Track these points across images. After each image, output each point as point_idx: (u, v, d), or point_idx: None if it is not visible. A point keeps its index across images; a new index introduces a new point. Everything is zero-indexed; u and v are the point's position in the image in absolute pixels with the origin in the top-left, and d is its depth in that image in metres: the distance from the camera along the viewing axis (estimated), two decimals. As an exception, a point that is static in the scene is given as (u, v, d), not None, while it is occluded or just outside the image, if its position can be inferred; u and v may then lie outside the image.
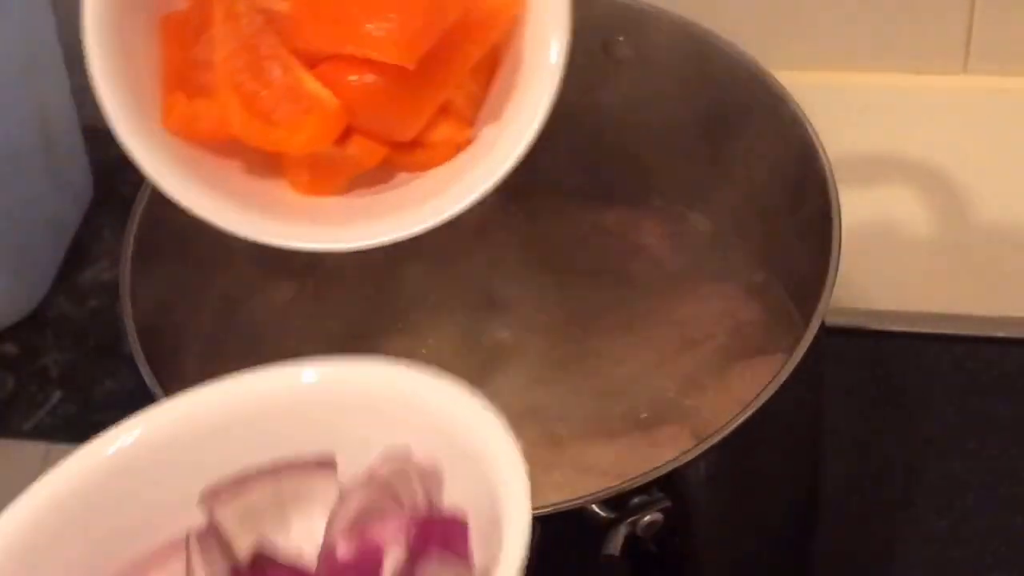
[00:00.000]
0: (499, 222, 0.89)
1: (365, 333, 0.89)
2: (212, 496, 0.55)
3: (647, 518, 0.69)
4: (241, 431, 0.56)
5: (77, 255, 2.09)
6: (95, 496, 0.56)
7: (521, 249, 0.92)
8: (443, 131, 0.66)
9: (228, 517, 0.55)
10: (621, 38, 0.88)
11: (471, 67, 0.65)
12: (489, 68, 0.67)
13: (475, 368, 0.86)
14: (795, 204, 0.83)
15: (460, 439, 0.54)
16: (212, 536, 0.55)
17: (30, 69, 2.03)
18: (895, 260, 1.05)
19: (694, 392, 0.85)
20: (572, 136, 0.95)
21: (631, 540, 0.69)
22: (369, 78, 0.63)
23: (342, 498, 0.55)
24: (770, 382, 0.71)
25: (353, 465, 0.55)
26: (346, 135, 0.65)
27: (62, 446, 1.92)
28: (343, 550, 0.54)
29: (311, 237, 0.66)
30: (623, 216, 0.94)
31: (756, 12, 1.14)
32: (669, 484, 0.69)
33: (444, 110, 0.66)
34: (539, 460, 0.78)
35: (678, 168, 0.93)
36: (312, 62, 0.63)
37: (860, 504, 0.93)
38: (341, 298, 0.91)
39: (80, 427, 1.93)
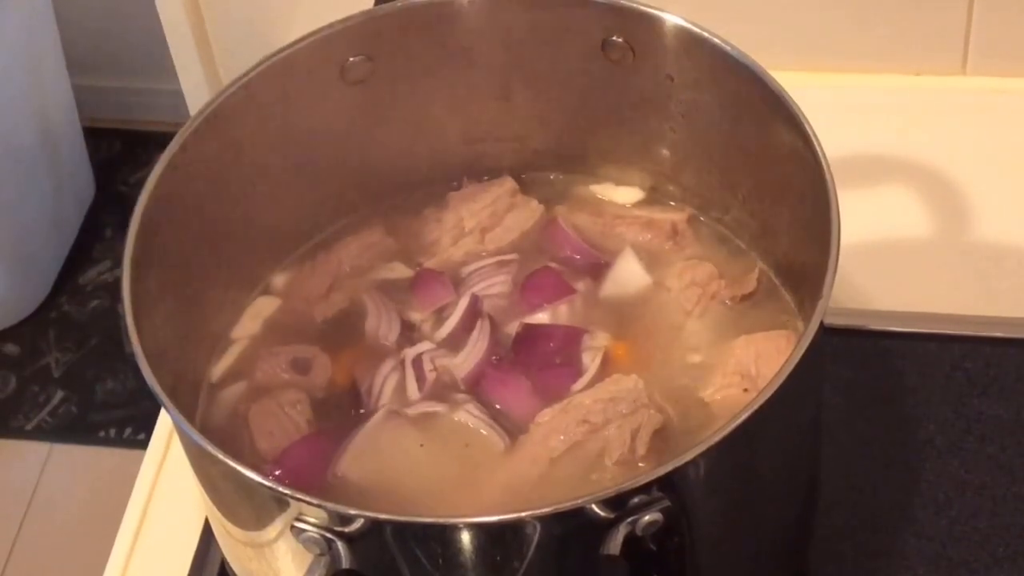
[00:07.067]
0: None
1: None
2: None
3: (647, 518, 0.69)
4: None
5: (79, 256, 2.10)
6: None
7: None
8: None
9: None
10: (620, 38, 0.88)
11: None
12: None
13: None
14: (795, 204, 0.83)
15: None
16: None
17: (31, 69, 2.03)
18: (895, 260, 1.06)
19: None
20: (573, 136, 0.95)
21: (631, 540, 0.69)
22: None
23: None
24: (770, 382, 0.71)
25: None
26: None
27: (63, 445, 1.94)
28: None
29: None
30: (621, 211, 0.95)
31: (756, 12, 1.15)
32: (669, 484, 0.69)
33: None
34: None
35: (678, 167, 0.93)
36: None
37: (859, 504, 0.93)
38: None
39: (81, 427, 1.94)
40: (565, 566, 0.72)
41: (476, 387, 0.86)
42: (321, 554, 0.71)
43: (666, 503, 0.69)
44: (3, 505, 1.91)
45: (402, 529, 0.70)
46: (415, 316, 0.90)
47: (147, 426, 1.02)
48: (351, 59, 0.89)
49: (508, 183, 0.96)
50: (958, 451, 0.95)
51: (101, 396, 1.99)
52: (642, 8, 0.86)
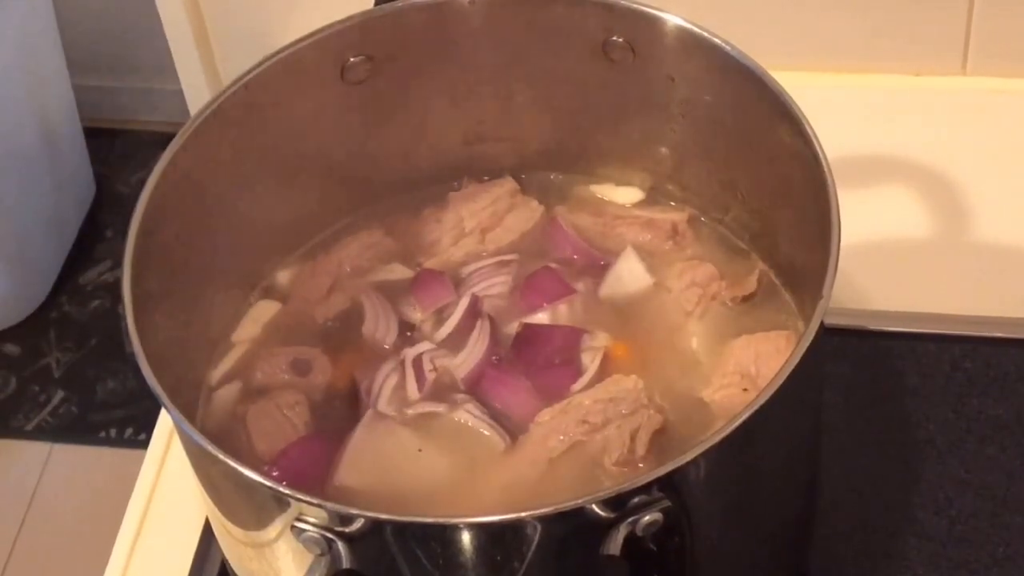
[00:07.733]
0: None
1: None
2: None
3: (647, 518, 0.69)
4: None
5: (79, 256, 2.10)
6: None
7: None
8: None
9: None
10: (620, 38, 0.88)
11: None
12: None
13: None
14: (795, 204, 0.83)
15: None
16: None
17: (31, 69, 2.03)
18: (895, 260, 1.06)
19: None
20: (573, 136, 0.95)
21: (631, 540, 0.69)
22: None
23: None
24: (770, 381, 0.71)
25: None
26: None
27: (63, 445, 1.94)
28: None
29: None
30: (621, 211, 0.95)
31: (757, 13, 1.15)
32: (669, 484, 0.69)
33: None
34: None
35: (678, 167, 0.93)
36: None
37: (859, 503, 0.93)
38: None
39: (82, 427, 1.94)
40: (565, 566, 0.72)
41: (476, 387, 0.86)
42: (321, 554, 0.71)
43: (666, 503, 0.69)
44: (3, 505, 1.91)
45: (402, 529, 0.70)
46: (415, 316, 0.90)
47: (147, 426, 1.02)
48: (351, 59, 0.89)
49: (508, 183, 0.96)
50: (958, 451, 0.95)
51: (101, 396, 1.99)
52: (643, 8, 0.86)
